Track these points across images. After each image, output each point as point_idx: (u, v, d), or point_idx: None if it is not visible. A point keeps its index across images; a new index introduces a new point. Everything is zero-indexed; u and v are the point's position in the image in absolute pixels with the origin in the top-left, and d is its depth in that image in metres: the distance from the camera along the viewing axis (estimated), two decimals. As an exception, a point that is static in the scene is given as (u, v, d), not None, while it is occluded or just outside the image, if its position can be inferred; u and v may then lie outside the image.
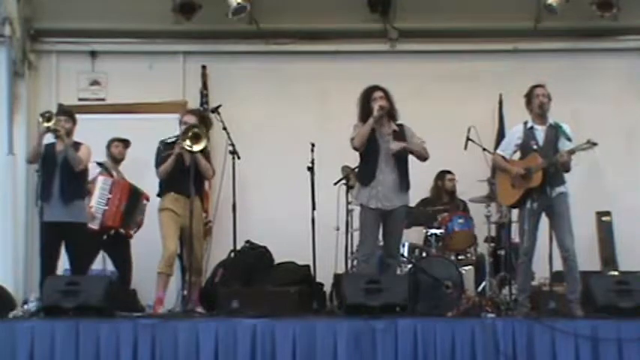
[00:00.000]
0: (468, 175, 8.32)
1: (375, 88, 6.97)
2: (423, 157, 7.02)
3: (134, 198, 8.05)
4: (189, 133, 7.06)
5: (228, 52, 9.35)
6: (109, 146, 8.15)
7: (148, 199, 8.13)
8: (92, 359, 6.10)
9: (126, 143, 8.23)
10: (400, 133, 6.96)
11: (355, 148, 6.94)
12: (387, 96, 6.95)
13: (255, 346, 6.08)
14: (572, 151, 6.74)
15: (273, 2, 8.95)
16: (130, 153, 8.38)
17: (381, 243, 7.08)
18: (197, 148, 7.05)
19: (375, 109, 6.82)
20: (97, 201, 7.77)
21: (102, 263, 8.09)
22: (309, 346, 6.07)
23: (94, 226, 7.66)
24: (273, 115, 9.11)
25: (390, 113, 6.96)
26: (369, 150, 6.90)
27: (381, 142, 6.90)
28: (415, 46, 9.26)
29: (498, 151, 7.24)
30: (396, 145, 6.83)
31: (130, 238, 8.05)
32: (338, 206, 7.84)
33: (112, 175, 8.00)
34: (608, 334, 6.00)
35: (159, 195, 7.36)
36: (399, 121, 6.99)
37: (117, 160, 8.17)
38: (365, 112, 6.90)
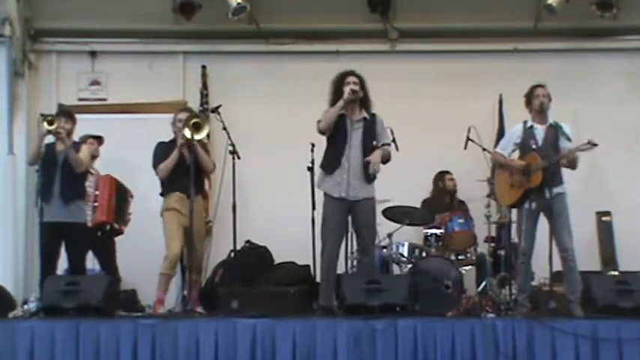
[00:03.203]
0: (468, 175, 8.32)
1: (350, 73, 6.88)
2: (385, 161, 6.87)
3: (122, 192, 8.05)
4: (190, 123, 7.06)
5: (228, 52, 9.35)
6: (83, 144, 8.06)
7: (132, 197, 8.15)
8: (92, 359, 6.10)
9: (100, 140, 8.13)
10: (370, 123, 6.83)
11: (321, 132, 6.81)
12: (361, 83, 6.85)
13: (255, 346, 6.08)
14: (572, 152, 6.75)
15: (273, 2, 8.95)
16: (129, 153, 8.39)
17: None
18: (198, 137, 7.06)
19: (346, 91, 6.72)
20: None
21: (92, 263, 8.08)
22: (309, 346, 6.07)
23: (87, 223, 7.63)
24: (273, 115, 9.10)
25: (363, 101, 6.86)
26: (336, 136, 6.78)
27: (350, 129, 6.78)
28: (415, 46, 9.25)
29: (497, 150, 7.25)
30: (372, 169, 6.70)
31: (121, 234, 8.03)
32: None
33: (91, 173, 7.97)
34: (608, 334, 6.01)
35: (162, 194, 7.36)
36: (376, 114, 6.90)
37: (92, 157, 8.06)
38: (336, 96, 6.80)
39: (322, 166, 6.91)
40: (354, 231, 6.89)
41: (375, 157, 6.74)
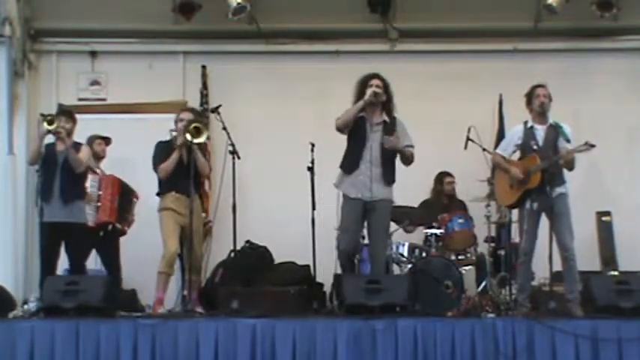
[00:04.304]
0: (468, 175, 8.32)
1: (375, 75, 6.91)
2: (407, 161, 6.92)
3: (126, 193, 8.08)
4: (191, 127, 7.08)
5: (228, 52, 9.36)
6: (90, 144, 7.99)
7: (137, 198, 8.18)
8: (92, 359, 6.10)
9: (107, 141, 8.19)
10: (391, 125, 6.86)
11: (338, 129, 6.85)
12: (385, 86, 6.88)
13: (255, 346, 6.09)
14: (569, 152, 6.75)
15: (273, 2, 8.95)
16: (129, 153, 8.40)
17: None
18: (198, 140, 7.08)
19: (368, 92, 6.76)
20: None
21: (98, 263, 8.08)
22: (309, 346, 6.07)
23: (89, 223, 7.64)
24: (273, 115, 9.11)
25: (386, 105, 6.89)
26: (355, 137, 6.83)
27: (369, 132, 6.82)
28: (415, 46, 9.26)
29: (498, 151, 7.25)
30: (390, 143, 6.74)
31: (124, 235, 8.06)
32: (338, 206, 7.81)
33: (96, 173, 7.98)
34: (608, 334, 6.01)
35: (158, 194, 7.36)
36: (397, 118, 6.92)
37: (99, 158, 8.11)
38: (359, 98, 6.83)
39: (341, 167, 6.95)
40: (367, 230, 6.92)
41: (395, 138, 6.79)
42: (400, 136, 6.85)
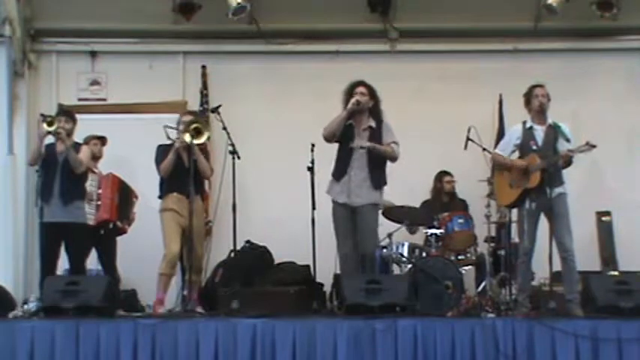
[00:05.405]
0: (468, 175, 8.32)
1: (360, 83, 7.02)
2: (390, 158, 7.02)
3: (125, 192, 8.12)
4: (191, 128, 7.08)
5: (228, 52, 9.35)
6: (86, 144, 7.99)
7: (136, 197, 8.20)
8: (92, 359, 6.10)
9: (103, 141, 8.18)
10: (376, 130, 6.97)
11: (325, 138, 7.00)
12: (370, 93, 6.97)
13: (255, 346, 6.09)
14: (571, 152, 6.75)
15: (273, 2, 8.95)
16: (129, 153, 8.39)
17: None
18: (198, 141, 7.08)
19: (351, 102, 6.85)
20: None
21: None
22: (309, 346, 6.08)
23: (89, 222, 7.64)
24: (273, 115, 9.11)
25: (373, 110, 6.98)
26: (343, 144, 6.97)
27: (356, 138, 6.94)
28: (415, 46, 9.26)
29: (497, 151, 7.25)
30: (358, 143, 6.86)
31: (125, 233, 8.08)
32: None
33: (94, 172, 7.97)
34: (608, 334, 6.01)
35: (160, 197, 7.37)
36: (384, 120, 7.02)
37: (95, 158, 8.10)
38: (346, 106, 6.95)
39: (332, 174, 7.10)
40: (358, 233, 6.95)
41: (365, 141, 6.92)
42: (384, 136, 6.97)
